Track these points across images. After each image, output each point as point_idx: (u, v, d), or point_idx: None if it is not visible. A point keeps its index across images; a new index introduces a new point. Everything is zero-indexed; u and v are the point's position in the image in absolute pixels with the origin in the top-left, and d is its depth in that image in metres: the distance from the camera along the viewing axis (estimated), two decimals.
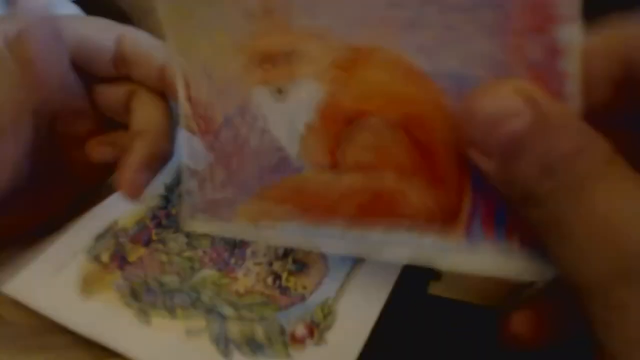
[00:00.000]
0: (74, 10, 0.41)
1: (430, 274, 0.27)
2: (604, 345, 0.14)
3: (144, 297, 0.25)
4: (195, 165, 0.25)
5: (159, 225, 0.29)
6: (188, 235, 0.28)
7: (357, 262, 0.25)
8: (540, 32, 0.16)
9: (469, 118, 0.17)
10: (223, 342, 0.23)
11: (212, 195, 0.25)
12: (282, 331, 0.23)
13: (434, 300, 0.26)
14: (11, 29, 0.26)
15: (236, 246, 0.27)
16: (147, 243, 0.28)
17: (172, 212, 0.29)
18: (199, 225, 0.25)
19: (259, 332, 0.23)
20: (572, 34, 0.16)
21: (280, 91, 0.22)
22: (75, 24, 0.27)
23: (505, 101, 0.16)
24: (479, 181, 0.18)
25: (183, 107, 0.25)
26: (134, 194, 0.26)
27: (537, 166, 0.15)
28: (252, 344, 0.22)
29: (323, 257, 0.25)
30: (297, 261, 0.25)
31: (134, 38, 0.28)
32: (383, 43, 0.19)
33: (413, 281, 0.25)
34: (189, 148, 0.25)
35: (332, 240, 0.21)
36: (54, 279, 0.27)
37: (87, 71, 0.28)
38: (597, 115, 0.16)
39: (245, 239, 0.26)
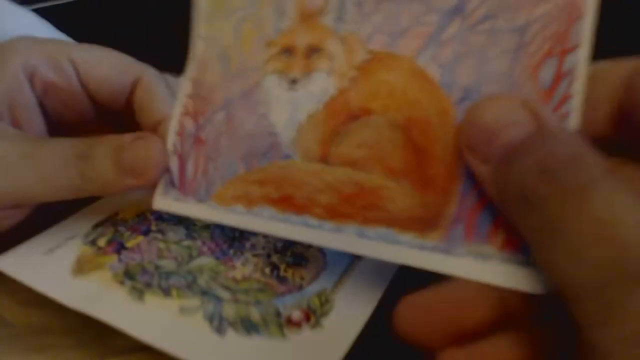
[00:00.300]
0: (58, 34, 0.43)
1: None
2: (597, 345, 0.14)
3: (138, 277, 0.26)
4: (179, 144, 0.26)
5: (159, 218, 0.29)
6: (188, 227, 0.28)
7: (354, 260, 0.26)
8: (552, 57, 0.18)
9: (472, 124, 0.18)
10: (217, 320, 0.23)
11: (192, 175, 0.26)
12: (278, 314, 0.23)
13: None
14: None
15: (235, 239, 0.27)
16: (147, 233, 0.28)
17: None
18: (170, 204, 0.27)
19: (255, 313, 0.23)
20: (580, 60, 0.18)
21: (294, 81, 0.24)
22: (98, 59, 0.29)
23: (509, 111, 0.17)
24: (468, 188, 0.19)
25: (183, 87, 0.27)
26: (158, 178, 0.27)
27: (535, 170, 0.16)
28: (246, 324, 0.23)
29: (322, 252, 0.26)
30: (296, 255, 0.26)
31: (149, 84, 0.30)
32: (401, 50, 0.21)
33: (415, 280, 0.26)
34: (177, 127, 0.27)
35: (307, 229, 0.22)
36: (47, 258, 0.27)
37: (99, 102, 0.30)
38: (599, 141, 0.17)
39: (212, 222, 0.26)
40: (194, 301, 0.24)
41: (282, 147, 0.24)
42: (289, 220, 0.23)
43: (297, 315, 0.23)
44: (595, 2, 0.18)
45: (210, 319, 0.23)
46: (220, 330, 0.22)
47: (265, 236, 0.28)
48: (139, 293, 0.24)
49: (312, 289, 0.24)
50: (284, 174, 0.24)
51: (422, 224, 0.20)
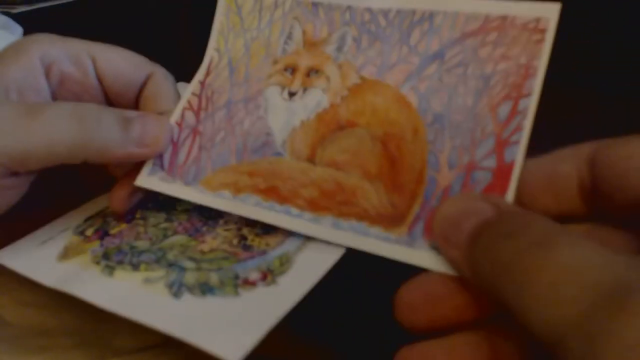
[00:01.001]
0: None
1: None
2: None
3: (113, 257, 0.26)
4: (176, 133, 0.29)
5: (145, 207, 0.30)
6: (168, 212, 0.29)
7: None
8: (509, 99, 0.23)
9: (442, 217, 0.20)
10: (176, 286, 0.23)
11: (182, 161, 0.28)
12: (236, 276, 0.23)
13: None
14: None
15: (210, 218, 0.28)
16: (130, 220, 0.29)
17: (159, 197, 0.31)
18: (155, 184, 0.28)
19: (214, 278, 0.23)
20: (531, 103, 0.22)
21: (292, 94, 0.28)
22: (116, 56, 0.32)
23: (471, 203, 0.20)
24: (431, 193, 0.23)
25: (191, 86, 0.30)
26: None
27: (499, 237, 0.18)
28: (203, 287, 0.23)
29: None
30: (265, 226, 0.26)
31: (159, 80, 0.32)
32: (388, 80, 0.26)
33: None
34: (177, 118, 0.30)
35: (288, 217, 0.25)
36: (39, 249, 0.28)
37: (112, 97, 0.32)
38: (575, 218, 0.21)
39: (196, 203, 0.28)
40: (158, 273, 0.24)
41: (275, 145, 0.27)
42: (272, 209, 0.25)
43: (254, 275, 0.23)
44: (545, 63, 0.22)
45: (170, 286, 0.23)
46: (177, 295, 0.23)
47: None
48: (110, 269, 0.25)
49: (275, 253, 0.25)
50: (272, 168, 0.27)
51: (389, 220, 0.23)
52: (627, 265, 0.15)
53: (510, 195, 0.21)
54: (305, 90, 0.27)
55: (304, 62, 0.28)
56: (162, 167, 0.29)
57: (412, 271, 0.21)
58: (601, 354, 0.13)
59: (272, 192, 0.26)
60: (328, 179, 0.25)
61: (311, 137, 0.27)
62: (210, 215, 0.28)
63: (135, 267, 0.25)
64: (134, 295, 0.23)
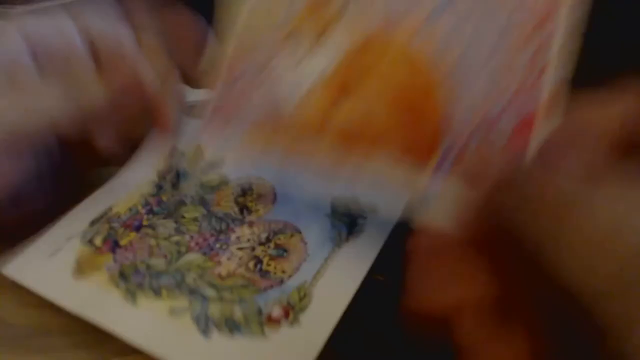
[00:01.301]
0: None
1: None
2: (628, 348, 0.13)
3: (132, 279, 0.26)
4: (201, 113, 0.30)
5: (150, 211, 0.30)
6: (177, 221, 0.29)
7: (334, 248, 0.26)
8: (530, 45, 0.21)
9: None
10: (203, 321, 0.24)
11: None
12: (260, 312, 0.24)
13: None
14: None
15: (221, 232, 0.28)
16: (138, 228, 0.29)
17: (164, 199, 0.30)
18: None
19: (238, 312, 0.24)
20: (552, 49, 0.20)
21: (299, 59, 0.27)
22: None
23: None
24: (446, 150, 0.22)
25: (223, 56, 0.30)
26: None
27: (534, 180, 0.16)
28: (230, 324, 0.23)
29: (303, 241, 0.26)
30: (278, 246, 0.26)
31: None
32: (399, 33, 0.24)
33: None
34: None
35: (305, 175, 0.25)
36: (50, 262, 0.28)
37: None
38: None
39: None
40: (182, 302, 0.25)
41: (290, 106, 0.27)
42: (289, 164, 0.26)
43: (277, 312, 0.23)
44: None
45: (197, 320, 0.24)
46: (206, 333, 0.23)
47: (250, 227, 0.28)
48: (132, 296, 0.25)
49: (293, 283, 0.25)
50: (292, 120, 0.27)
51: (417, 153, 0.23)
52: None
53: (530, 150, 0.20)
54: (312, 53, 0.27)
55: (310, 25, 0.27)
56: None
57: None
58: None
59: (290, 149, 0.26)
60: (354, 117, 0.25)
61: (321, 101, 0.26)
62: (220, 228, 0.27)
63: (157, 292, 0.25)
64: (161, 329, 0.24)
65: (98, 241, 0.29)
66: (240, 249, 0.27)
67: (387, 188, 0.23)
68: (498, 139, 0.20)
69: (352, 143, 0.24)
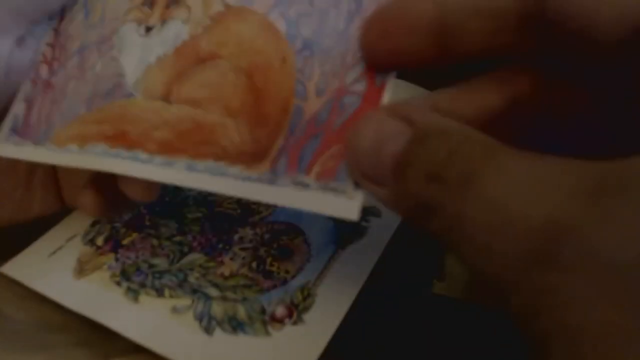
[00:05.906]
0: None
1: (435, 273, 0.28)
2: (536, 339, 0.13)
3: (134, 278, 0.26)
4: (31, 91, 0.27)
5: (152, 212, 0.30)
6: (179, 221, 0.29)
7: (338, 249, 0.26)
8: None
9: (354, 152, 0.17)
10: (206, 319, 0.24)
11: (36, 119, 0.26)
12: (263, 311, 0.24)
13: (437, 299, 0.27)
14: None
15: (224, 232, 0.28)
16: (140, 228, 0.29)
17: (166, 199, 0.30)
18: (11, 150, 0.26)
19: (241, 311, 0.24)
20: None
21: (149, 29, 0.24)
22: None
23: (383, 125, 0.16)
24: (295, 124, 0.20)
25: (46, 36, 0.28)
26: None
27: (422, 178, 0.15)
28: (233, 322, 0.23)
29: (306, 243, 0.27)
30: (281, 247, 0.27)
31: None
32: (255, 6, 0.22)
33: (418, 280, 0.27)
34: (32, 75, 0.27)
35: (135, 163, 0.22)
36: (51, 260, 0.28)
37: None
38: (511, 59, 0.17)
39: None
40: (185, 300, 0.25)
41: (126, 87, 0.24)
42: (118, 156, 0.23)
43: (280, 311, 0.23)
44: None
45: (200, 318, 0.24)
46: (209, 331, 0.23)
47: (253, 228, 0.28)
48: (134, 294, 0.25)
49: (296, 282, 0.25)
50: (122, 112, 0.24)
51: (250, 157, 0.21)
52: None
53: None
54: (163, 23, 0.24)
55: None
56: (15, 131, 0.27)
57: (412, 271, 0.20)
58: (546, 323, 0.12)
59: (119, 138, 0.23)
60: (184, 117, 0.22)
61: (167, 74, 0.23)
62: (223, 228, 0.27)
63: (160, 292, 0.25)
64: (164, 327, 0.24)
65: (100, 241, 0.29)
66: (243, 249, 0.27)
67: None
68: (348, 108, 0.19)
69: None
